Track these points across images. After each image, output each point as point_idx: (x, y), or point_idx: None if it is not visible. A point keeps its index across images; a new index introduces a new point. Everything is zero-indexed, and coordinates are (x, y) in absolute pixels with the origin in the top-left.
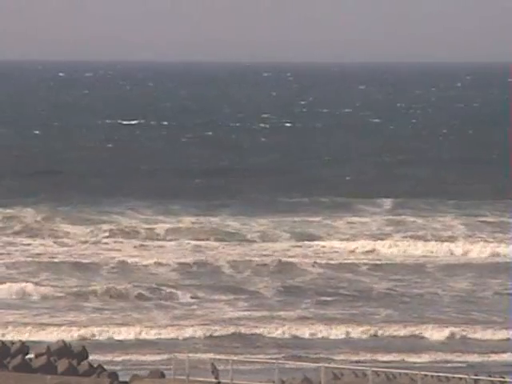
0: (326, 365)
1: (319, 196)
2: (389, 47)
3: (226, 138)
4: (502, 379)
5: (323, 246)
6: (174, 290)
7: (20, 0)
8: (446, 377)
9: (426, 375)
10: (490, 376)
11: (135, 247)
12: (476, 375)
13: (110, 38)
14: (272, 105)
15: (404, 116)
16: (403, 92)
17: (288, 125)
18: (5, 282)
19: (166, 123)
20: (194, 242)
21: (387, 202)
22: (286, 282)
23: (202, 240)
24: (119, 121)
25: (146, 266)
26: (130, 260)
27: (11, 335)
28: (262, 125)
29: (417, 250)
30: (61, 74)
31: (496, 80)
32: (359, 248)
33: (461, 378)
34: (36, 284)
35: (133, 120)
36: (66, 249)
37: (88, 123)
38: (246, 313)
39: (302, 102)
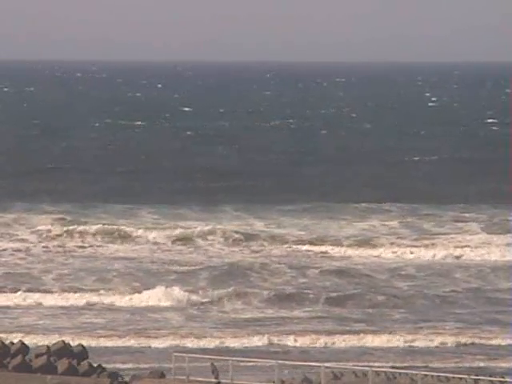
0: (326, 365)
1: (325, 198)
2: (391, 47)
3: (227, 138)
4: (501, 379)
5: (334, 253)
6: (184, 292)
7: (20, 0)
8: (446, 377)
9: (425, 375)
10: (490, 376)
11: (135, 248)
12: (476, 375)
13: (109, 38)
14: (274, 104)
15: (408, 116)
16: (409, 92)
17: (291, 125)
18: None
19: (166, 124)
20: (197, 243)
21: (398, 206)
22: (296, 283)
23: (207, 242)
24: (120, 121)
25: (151, 267)
26: (138, 263)
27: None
28: (261, 124)
29: (431, 252)
30: (58, 74)
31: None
32: (368, 251)
33: (461, 378)
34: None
35: (133, 121)
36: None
37: (88, 123)
38: (260, 315)
39: (305, 102)
